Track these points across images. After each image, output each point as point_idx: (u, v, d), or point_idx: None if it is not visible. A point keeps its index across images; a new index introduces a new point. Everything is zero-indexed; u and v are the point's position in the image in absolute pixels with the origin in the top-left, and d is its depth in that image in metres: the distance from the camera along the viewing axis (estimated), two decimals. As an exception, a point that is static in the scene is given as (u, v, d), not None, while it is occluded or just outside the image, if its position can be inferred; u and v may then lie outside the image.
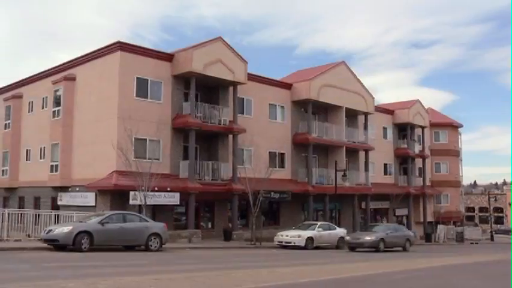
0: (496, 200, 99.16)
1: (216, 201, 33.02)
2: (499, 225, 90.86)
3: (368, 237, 28.71)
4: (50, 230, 19.70)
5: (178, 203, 29.24)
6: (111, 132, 27.84)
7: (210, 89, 33.09)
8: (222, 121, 32.20)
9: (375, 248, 28.55)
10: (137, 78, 29.22)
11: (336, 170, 36.80)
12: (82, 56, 31.61)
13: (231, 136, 32.91)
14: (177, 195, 28.65)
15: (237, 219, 32.75)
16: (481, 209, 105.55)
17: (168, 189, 28.22)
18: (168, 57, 30.94)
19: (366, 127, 44.44)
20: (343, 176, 36.41)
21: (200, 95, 32.33)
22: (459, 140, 60.48)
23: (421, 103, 52.64)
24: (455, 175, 58.21)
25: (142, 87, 29.50)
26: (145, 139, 28.85)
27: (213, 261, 18.05)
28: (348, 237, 30.06)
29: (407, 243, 31.26)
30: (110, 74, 29.18)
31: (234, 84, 32.91)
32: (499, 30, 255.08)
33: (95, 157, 29.01)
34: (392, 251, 29.19)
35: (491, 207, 76.66)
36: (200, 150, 32.34)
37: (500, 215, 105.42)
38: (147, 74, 29.70)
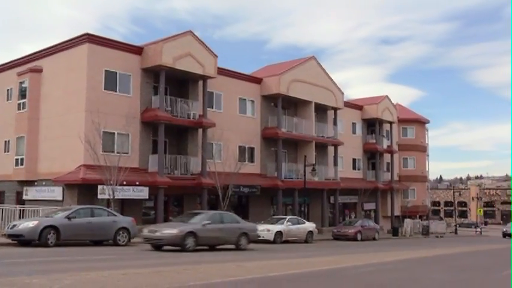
0: (460, 194, 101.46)
1: (185, 196, 32.91)
2: (462, 219, 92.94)
3: (167, 231, 19.70)
4: (15, 225, 19.37)
5: (147, 197, 29.09)
6: (79, 125, 27.44)
7: (179, 83, 32.90)
8: (191, 115, 32.06)
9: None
10: (106, 71, 28.85)
11: (305, 165, 37.04)
12: (49, 48, 31.04)
13: (200, 130, 32.81)
14: (146, 189, 28.47)
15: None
16: (446, 203, 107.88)
17: (137, 183, 28.01)
18: (138, 50, 30.63)
19: (335, 122, 44.82)
20: (312, 170, 36.69)
21: (170, 88, 32.11)
22: (426, 136, 61.57)
23: (389, 99, 53.31)
24: (422, 170, 59.27)
25: (111, 80, 29.15)
26: (114, 133, 28.54)
27: (181, 255, 17.97)
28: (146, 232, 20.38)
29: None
30: (77, 67, 28.72)
31: (204, 78, 32.79)
32: (465, 29, 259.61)
33: (62, 151, 28.56)
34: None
35: (456, 202, 78.38)
36: (169, 144, 32.15)
37: (464, 209, 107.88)
38: (116, 67, 29.35)
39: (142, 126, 30.35)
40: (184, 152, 32.48)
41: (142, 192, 28.37)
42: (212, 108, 34.47)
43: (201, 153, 32.27)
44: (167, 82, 31.07)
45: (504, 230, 57.40)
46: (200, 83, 33.28)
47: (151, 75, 31.04)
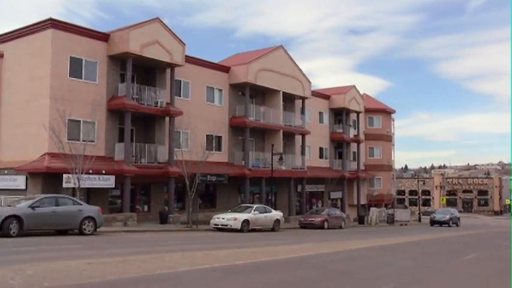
0: (424, 183, 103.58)
1: (152, 184, 32.71)
2: (426, 207, 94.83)
3: None
4: (-24, 215, 18.91)
5: (114, 186, 28.80)
6: (43, 113, 26.88)
7: (146, 71, 32.56)
8: (158, 103, 31.80)
9: None
10: (71, 57, 28.30)
11: (272, 154, 37.20)
12: (11, 32, 30.24)
13: (167, 118, 32.59)
14: (113, 178, 28.17)
15: (173, 202, 32.60)
16: (411, 192, 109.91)
17: (103, 172, 27.68)
18: (104, 37, 30.13)
19: (302, 111, 45.07)
20: (279, 159, 36.88)
21: (137, 76, 31.77)
22: (392, 126, 62.48)
23: (356, 89, 53.84)
24: (388, 159, 60.19)
25: (76, 67, 28.62)
26: (80, 120, 28.10)
27: (148, 244, 17.93)
28: None
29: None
30: (41, 53, 28.08)
31: (172, 66, 32.53)
32: (431, 20, 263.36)
33: (26, 139, 27.99)
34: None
35: (420, 190, 79.94)
36: (136, 132, 31.86)
37: (428, 197, 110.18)
38: (82, 54, 28.83)
39: (109, 114, 29.96)
40: (151, 141, 32.23)
41: (109, 181, 28.07)
42: (180, 96, 34.23)
43: (168, 141, 32.07)
44: (134, 70, 30.72)
45: (432, 216, 53.65)
46: (168, 71, 33.00)
47: (117, 62, 30.62)
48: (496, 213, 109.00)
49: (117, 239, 20.45)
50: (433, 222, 50.48)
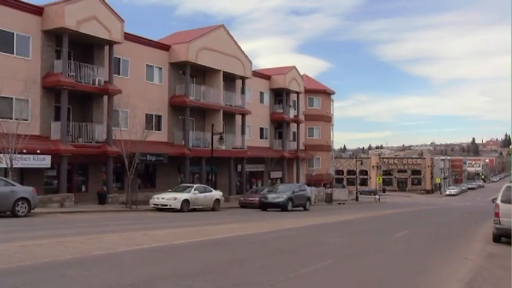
0: (362, 163, 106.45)
1: (90, 164, 32.02)
2: (363, 187, 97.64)
3: None
4: None
5: (50, 166, 28.01)
6: (-28, 89, 25.65)
7: (84, 48, 31.61)
8: (96, 81, 31.02)
9: None
10: (1, 30, 27.07)
11: (212, 133, 37.14)
12: None
13: (106, 97, 31.87)
14: (48, 157, 27.36)
15: (112, 182, 32.07)
16: (349, 172, 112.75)
17: (38, 151, 26.83)
18: (38, 11, 28.94)
19: (243, 91, 45.12)
20: (219, 139, 36.87)
21: (73, 53, 30.79)
22: (331, 107, 63.57)
23: (297, 69, 54.32)
24: (327, 140, 61.34)
25: (7, 41, 27.40)
26: (12, 98, 27.02)
27: (86, 225, 17.61)
28: None
29: None
30: (-31, 26, 26.71)
31: (110, 43, 31.73)
32: (372, 4, 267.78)
33: (-46, 116, 26.69)
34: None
35: (358, 170, 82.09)
36: (73, 111, 31.00)
37: (365, 177, 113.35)
38: (13, 27, 27.59)
39: (44, 91, 28.97)
40: (89, 119, 31.46)
41: (44, 161, 27.25)
42: (118, 74, 33.51)
43: (107, 120, 31.40)
44: (71, 46, 29.78)
45: (263, 197, 33.99)
46: (106, 48, 32.18)
47: (53, 38, 29.56)
48: (428, 191, 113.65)
49: (53, 220, 19.96)
50: (265, 206, 32.78)
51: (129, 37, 34.02)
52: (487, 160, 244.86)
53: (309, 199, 36.09)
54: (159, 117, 37.27)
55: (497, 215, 15.43)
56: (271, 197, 33.02)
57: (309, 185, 55.99)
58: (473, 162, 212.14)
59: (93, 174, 32.39)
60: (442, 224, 25.40)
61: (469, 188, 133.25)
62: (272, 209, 32.41)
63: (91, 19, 29.98)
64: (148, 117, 35.67)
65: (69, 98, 29.33)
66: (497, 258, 12.46)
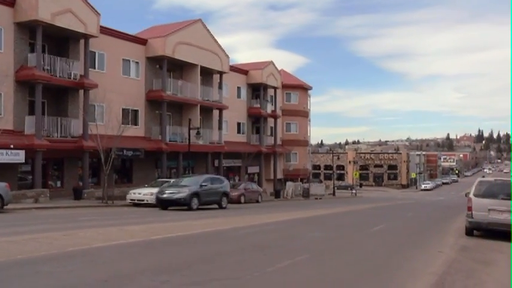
0: (338, 158, 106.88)
1: (65, 159, 31.66)
2: (340, 182, 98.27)
3: None
4: None
5: (24, 161, 27.61)
6: None
7: (59, 41, 31.19)
8: (72, 75, 30.65)
9: None
10: (-27, 23, 26.58)
11: (189, 128, 36.94)
12: None
13: (81, 91, 31.52)
14: (22, 152, 26.98)
15: (88, 177, 31.76)
16: (326, 167, 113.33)
17: (12, 146, 26.43)
18: (10, 2, 28.43)
19: (220, 86, 45.03)
20: (196, 134, 36.72)
21: (48, 46, 30.37)
22: (308, 102, 63.80)
23: (274, 65, 54.37)
24: (304, 135, 61.58)
25: (-20, 34, 26.93)
26: (-16, 92, 26.55)
27: (61, 221, 17.40)
28: None
29: None
30: None
31: (86, 37, 31.36)
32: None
33: None
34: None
35: (335, 165, 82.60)
36: (48, 105, 30.60)
37: (342, 172, 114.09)
38: (-14, 20, 27.11)
39: (17, 85, 28.51)
40: (65, 114, 31.08)
41: (18, 156, 26.86)
42: (94, 68, 33.16)
43: (83, 115, 31.05)
44: (45, 39, 29.35)
45: (160, 192, 26.88)
46: (82, 41, 31.80)
47: (26, 30, 29.08)
48: (404, 186, 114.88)
49: (26, 216, 19.70)
50: (162, 203, 26.05)
51: (105, 31, 33.67)
52: (461, 155, 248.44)
53: (225, 194, 28.74)
54: (135, 112, 36.99)
55: (470, 209, 15.70)
56: (170, 193, 25.89)
57: (286, 180, 56.46)
58: (448, 158, 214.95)
59: (69, 169, 32.04)
60: (417, 218, 25.74)
61: (443, 183, 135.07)
62: (175, 208, 25.72)
63: (66, 12, 29.57)
64: (125, 112, 35.39)
65: (44, 92, 28.93)
66: (470, 251, 12.69)
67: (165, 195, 25.93)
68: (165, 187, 27.15)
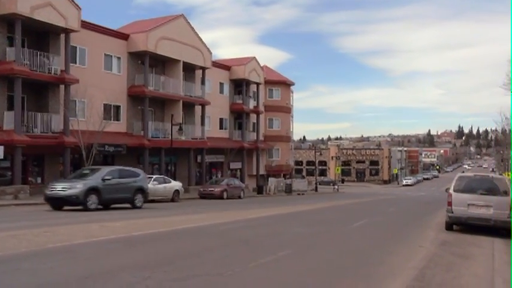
0: (321, 154, 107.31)
1: (46, 155, 31.33)
2: (322, 177, 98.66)
3: None
4: None
5: (3, 157, 27.23)
6: None
7: (39, 35, 30.80)
8: (52, 70, 30.32)
9: None
10: (-49, 17, 26.13)
11: (172, 124, 36.86)
12: None
13: (62, 86, 31.19)
14: (1, 148, 26.62)
15: (69, 173, 31.34)
16: (308, 163, 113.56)
17: (-10, 142, 26.08)
18: (-11, -3, 28.02)
19: (203, 82, 44.91)
20: (179, 129, 36.63)
21: (28, 40, 29.97)
22: (291, 98, 63.93)
23: (257, 60, 54.36)
24: (287, 131, 61.70)
25: (-42, 29, 26.49)
26: (-37, 87, 26.15)
27: (41, 217, 17.23)
28: None
29: None
30: None
31: (67, 31, 31.02)
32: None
33: None
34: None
35: (317, 161, 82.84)
36: (28, 100, 30.22)
37: (324, 167, 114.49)
38: (-36, 14, 26.68)
39: (-4, 80, 28.12)
40: (45, 109, 30.74)
41: (-3, 152, 26.50)
42: (75, 63, 32.83)
43: (64, 110, 30.74)
44: (24, 33, 28.95)
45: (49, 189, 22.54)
46: (62, 36, 31.44)
47: (4, 24, 28.67)
48: (385, 182, 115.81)
49: (5, 213, 19.48)
50: (51, 201, 21.14)
51: (86, 25, 33.34)
52: (442, 151, 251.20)
53: (140, 191, 23.57)
54: (117, 108, 36.73)
55: (450, 204, 15.90)
56: (60, 188, 20.72)
57: (268, 175, 56.51)
58: (429, 153, 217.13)
59: (50, 165, 31.72)
60: (398, 213, 25.98)
61: (424, 179, 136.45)
62: (68, 207, 20.93)
63: (46, 5, 29.20)
64: (107, 108, 35.13)
65: (24, 87, 28.56)
66: (450, 246, 12.86)
67: (53, 192, 20.77)
68: (60, 181, 22.75)
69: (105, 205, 21.90)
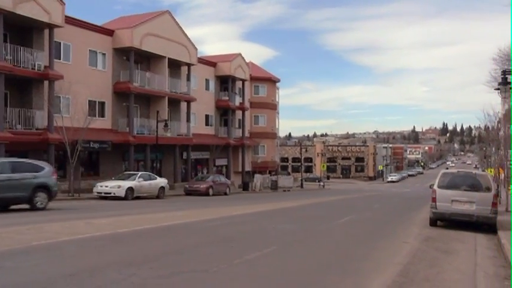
0: (306, 150, 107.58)
1: (30, 152, 30.94)
2: (308, 174, 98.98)
3: None
4: None
5: (-15, 154, 26.95)
6: None
7: (22, 30, 30.44)
8: (36, 66, 29.97)
9: None
10: None
11: (157, 120, 36.70)
12: None
13: (46, 82, 30.87)
14: (-16, 145, 26.34)
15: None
16: (294, 159, 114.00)
17: (-27, 138, 25.77)
18: (-29, -9, 27.64)
19: (188, 78, 44.76)
20: (164, 126, 36.49)
21: (10, 35, 29.61)
22: (277, 94, 63.98)
23: (242, 57, 54.29)
24: (272, 127, 61.76)
25: None
26: None
27: (24, 215, 17.06)
28: None
29: None
30: None
31: (50, 26, 30.70)
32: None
33: None
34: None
35: (303, 158, 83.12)
36: (11, 96, 29.87)
37: (310, 164, 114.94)
38: None
39: (-21, 76, 27.76)
40: (29, 106, 30.42)
41: (-20, 148, 26.19)
42: (60, 59, 32.51)
43: (48, 107, 30.45)
44: (7, 28, 28.60)
45: None
46: (46, 31, 31.11)
47: (-12, 20, 28.31)
48: (371, 178, 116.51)
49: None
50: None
51: (70, 21, 33.03)
52: (426, 148, 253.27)
53: (43, 188, 19.21)
54: (102, 104, 36.48)
55: (434, 200, 16.07)
56: None
57: (254, 172, 56.54)
58: (414, 150, 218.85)
59: (33, 162, 31.38)
60: (383, 209, 26.18)
61: (409, 175, 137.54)
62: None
63: (29, 0, 28.88)
64: (92, 104, 34.88)
65: (6, 82, 28.23)
66: (433, 241, 13.00)
67: None
68: None
69: None
